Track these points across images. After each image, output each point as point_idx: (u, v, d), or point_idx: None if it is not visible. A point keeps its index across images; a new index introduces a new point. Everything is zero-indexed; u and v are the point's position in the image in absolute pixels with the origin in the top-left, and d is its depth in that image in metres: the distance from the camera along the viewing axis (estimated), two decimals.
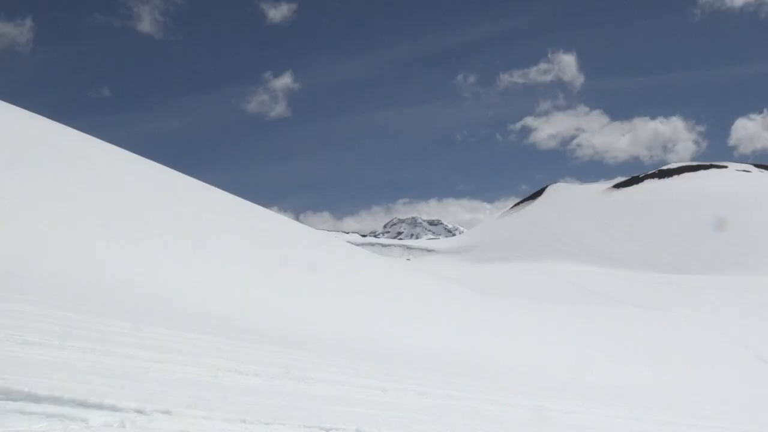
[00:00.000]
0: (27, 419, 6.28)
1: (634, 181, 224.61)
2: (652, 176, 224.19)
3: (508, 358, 30.70)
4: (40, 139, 45.73)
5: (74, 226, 30.62)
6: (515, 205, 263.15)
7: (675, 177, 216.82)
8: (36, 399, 7.07)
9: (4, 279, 20.43)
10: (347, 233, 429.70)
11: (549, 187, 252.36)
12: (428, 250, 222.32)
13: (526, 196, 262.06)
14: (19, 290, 18.96)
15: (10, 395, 7.07)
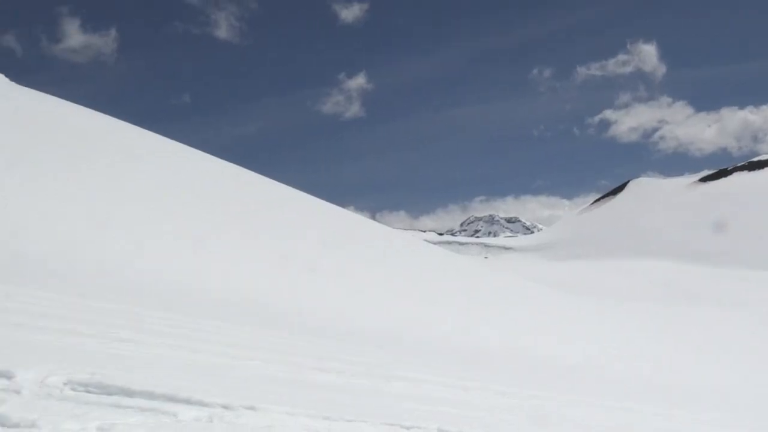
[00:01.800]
0: (122, 413, 6.52)
1: (722, 174, 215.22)
2: (742, 168, 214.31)
3: (592, 359, 29.94)
4: (128, 145, 47.69)
5: (169, 232, 31.79)
6: (595, 201, 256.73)
7: (766, 169, 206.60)
8: (130, 393, 7.34)
9: (102, 279, 21.41)
10: (423, 232, 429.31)
11: (631, 181, 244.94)
12: (506, 248, 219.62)
13: (607, 191, 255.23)
14: (114, 290, 19.82)
15: (106, 389, 7.37)
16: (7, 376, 7.18)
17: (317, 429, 7.31)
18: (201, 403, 7.39)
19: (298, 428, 7.18)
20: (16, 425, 5.53)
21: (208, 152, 54.92)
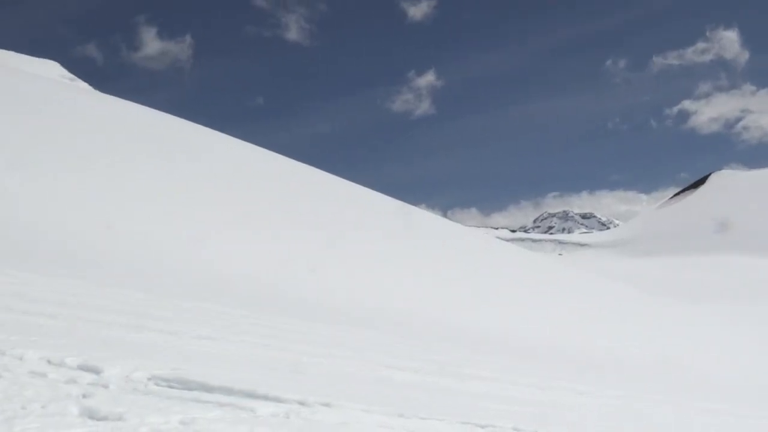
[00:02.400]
0: (202, 407, 6.71)
1: None
2: None
3: (674, 359, 28.94)
4: (205, 148, 49.05)
5: (248, 233, 32.58)
6: (675, 194, 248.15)
7: None
8: (209, 389, 7.55)
9: (185, 278, 22.12)
10: (496, 229, 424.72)
11: (713, 174, 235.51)
12: (581, 245, 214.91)
13: (688, 184, 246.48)
14: (196, 289, 20.44)
15: (186, 385, 7.60)
16: (96, 371, 7.50)
17: (392, 426, 7.33)
18: (278, 399, 7.52)
19: (373, 425, 7.22)
20: (105, 418, 5.76)
21: (280, 153, 55.99)
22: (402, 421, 7.63)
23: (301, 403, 7.55)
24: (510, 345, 23.77)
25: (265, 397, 7.53)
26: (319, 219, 39.68)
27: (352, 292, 26.50)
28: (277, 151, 55.72)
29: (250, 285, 23.47)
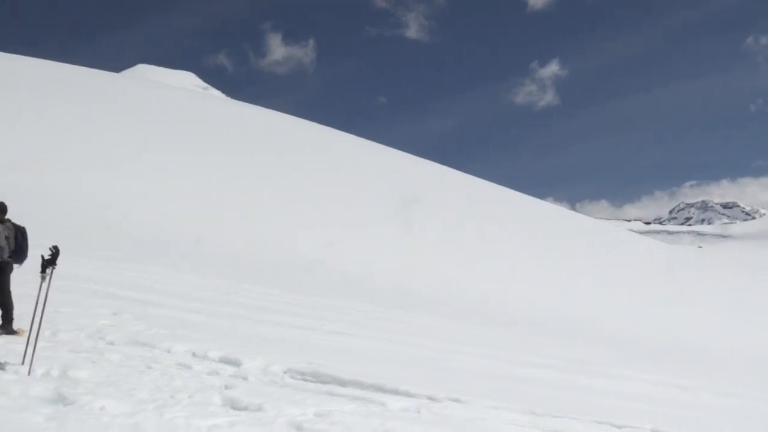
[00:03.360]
0: (336, 401, 6.92)
1: None
2: None
3: None
4: (328, 147, 50.33)
5: (383, 233, 33.23)
6: None
7: None
8: (342, 383, 7.77)
9: (318, 275, 22.86)
10: (628, 221, 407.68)
11: None
12: (723, 236, 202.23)
13: None
14: (327, 285, 21.07)
15: (320, 378, 7.86)
16: (236, 363, 7.92)
17: (523, 424, 7.22)
18: (408, 394, 7.62)
19: (503, 422, 7.14)
20: (245, 408, 6.07)
21: (406, 150, 56.53)
22: (533, 419, 7.50)
23: (431, 398, 7.60)
24: (646, 343, 22.79)
25: (396, 392, 7.64)
26: (442, 215, 39.67)
27: (476, 287, 26.33)
28: (400, 149, 56.40)
29: (378, 282, 23.87)
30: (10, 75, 48.19)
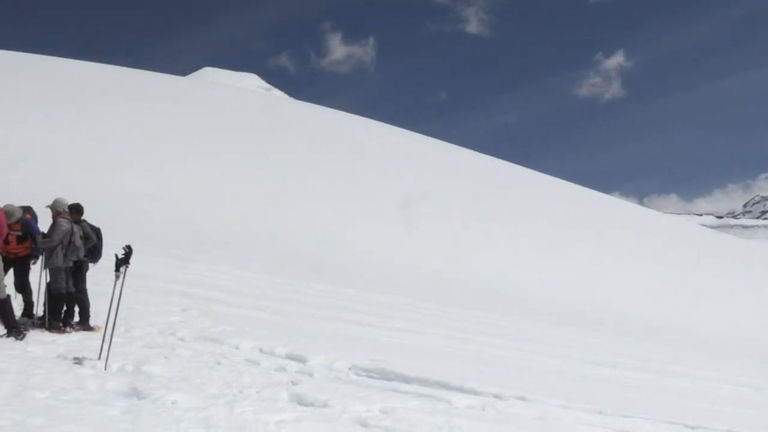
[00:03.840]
0: (401, 397, 6.94)
1: None
2: None
3: None
4: (389, 146, 50.48)
5: (449, 231, 33.17)
6: None
7: None
8: (406, 380, 7.79)
9: (382, 273, 22.97)
10: (699, 215, 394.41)
11: None
12: None
13: None
14: (389, 283, 21.15)
15: (385, 375, 7.90)
16: (302, 360, 8.03)
17: (592, 423, 7.08)
18: (473, 392, 7.57)
19: (572, 421, 7.02)
20: (312, 404, 6.15)
21: (465, 146, 56.21)
22: (602, 419, 7.35)
23: (497, 396, 7.53)
24: (716, 342, 22.06)
25: (461, 389, 7.61)
26: (506, 211, 39.28)
27: (543, 285, 25.97)
28: (462, 145, 56.12)
29: (443, 280, 23.82)
30: (83, 81, 50.07)
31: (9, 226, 8.09)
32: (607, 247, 36.20)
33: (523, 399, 7.60)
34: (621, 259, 34.16)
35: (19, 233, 8.29)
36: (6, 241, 8.04)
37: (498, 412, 6.94)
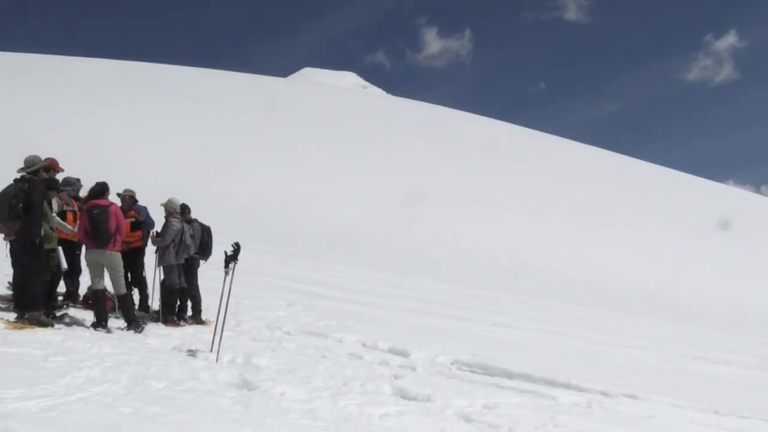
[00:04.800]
0: (504, 393, 6.85)
1: None
2: None
3: None
4: (492, 140, 49.94)
5: (542, 225, 32.61)
6: None
7: None
8: (509, 375, 7.69)
9: (476, 267, 22.82)
10: None
11: None
12: None
13: None
14: (488, 277, 20.97)
15: (487, 370, 7.84)
16: (404, 354, 8.08)
17: (706, 423, 6.74)
18: (579, 389, 7.39)
19: (683, 421, 6.71)
20: (414, 398, 6.18)
21: (568, 137, 54.80)
22: (717, 419, 6.99)
23: (604, 394, 7.32)
24: None
25: (566, 386, 7.44)
26: (608, 204, 38.07)
27: (648, 279, 25.03)
28: (563, 136, 54.78)
29: (542, 274, 23.37)
30: (199, 86, 52.36)
31: (125, 213, 8.53)
32: (718, 238, 34.38)
33: (632, 397, 7.35)
34: (735, 250, 32.39)
35: (133, 219, 8.70)
36: None
37: (605, 409, 6.74)
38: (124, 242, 8.50)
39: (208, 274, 9.54)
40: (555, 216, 32.56)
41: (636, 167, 51.04)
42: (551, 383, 7.52)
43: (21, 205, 6.82)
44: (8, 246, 7.16)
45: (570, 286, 21.60)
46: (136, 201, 8.94)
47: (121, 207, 8.42)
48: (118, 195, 8.85)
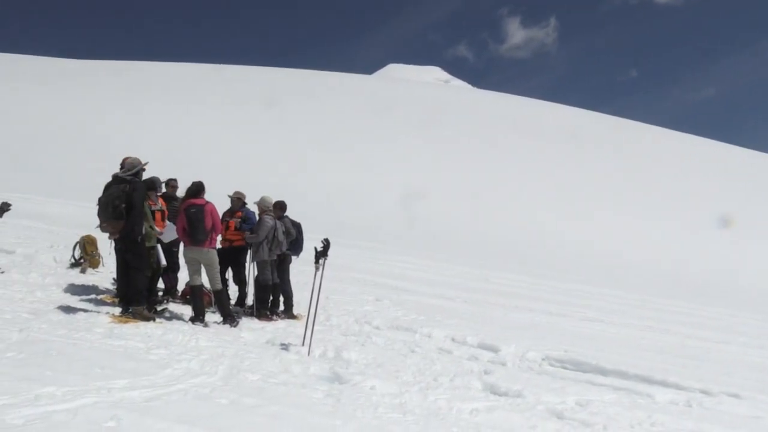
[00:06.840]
0: (597, 390, 6.68)
1: None
2: None
3: None
4: (575, 131, 48.69)
5: (628, 213, 31.66)
6: None
7: None
8: (603, 372, 7.50)
9: (563, 261, 22.36)
10: None
11: None
12: None
13: None
14: (577, 271, 20.50)
15: (580, 366, 7.67)
16: (493, 349, 8.01)
17: None
18: (677, 387, 7.13)
19: None
20: (505, 394, 6.12)
21: (660, 125, 52.80)
22: None
23: (704, 392, 7.03)
24: None
25: (663, 384, 7.19)
26: (708, 195, 36.52)
27: (746, 272, 23.86)
28: (656, 124, 52.85)
29: (632, 267, 22.67)
30: (273, 86, 53.57)
31: (233, 213, 9.02)
32: None
33: (735, 396, 7.03)
34: None
35: (239, 219, 9.06)
36: (226, 227, 8.87)
37: (705, 408, 6.47)
38: (227, 240, 8.89)
39: (299, 269, 9.75)
40: (652, 209, 31.52)
41: (735, 155, 48.67)
42: (647, 380, 7.28)
43: (123, 205, 7.20)
44: (113, 245, 7.61)
45: (668, 280, 20.85)
46: (244, 204, 9.27)
47: (230, 208, 8.92)
48: (229, 197, 9.25)
